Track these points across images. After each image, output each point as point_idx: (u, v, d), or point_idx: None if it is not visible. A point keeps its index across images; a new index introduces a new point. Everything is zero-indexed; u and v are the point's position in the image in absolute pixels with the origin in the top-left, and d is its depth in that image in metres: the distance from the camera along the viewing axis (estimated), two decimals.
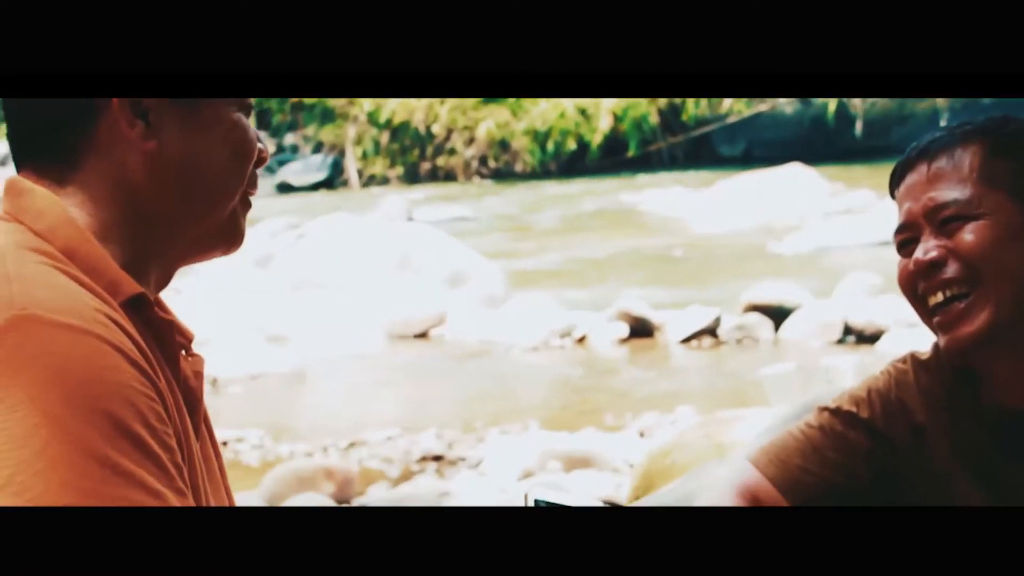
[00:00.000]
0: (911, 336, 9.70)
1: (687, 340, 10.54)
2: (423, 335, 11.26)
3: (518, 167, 21.79)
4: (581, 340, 10.83)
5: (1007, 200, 1.92)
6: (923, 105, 21.38)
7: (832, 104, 21.43)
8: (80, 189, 1.47)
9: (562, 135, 21.72)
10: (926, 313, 1.93)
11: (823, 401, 2.15)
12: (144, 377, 1.34)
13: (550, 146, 21.81)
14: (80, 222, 1.45)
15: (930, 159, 1.93)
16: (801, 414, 2.80)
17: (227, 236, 1.54)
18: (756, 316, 10.64)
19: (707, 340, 10.54)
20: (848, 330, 10.24)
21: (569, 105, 21.58)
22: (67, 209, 1.45)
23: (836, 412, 2.05)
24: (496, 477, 7.46)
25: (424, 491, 7.13)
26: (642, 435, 8.21)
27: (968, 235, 1.88)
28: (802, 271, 12.38)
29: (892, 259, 1.97)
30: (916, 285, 1.92)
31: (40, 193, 1.46)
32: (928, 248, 1.89)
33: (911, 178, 1.94)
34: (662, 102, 21.37)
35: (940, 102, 21.17)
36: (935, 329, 1.93)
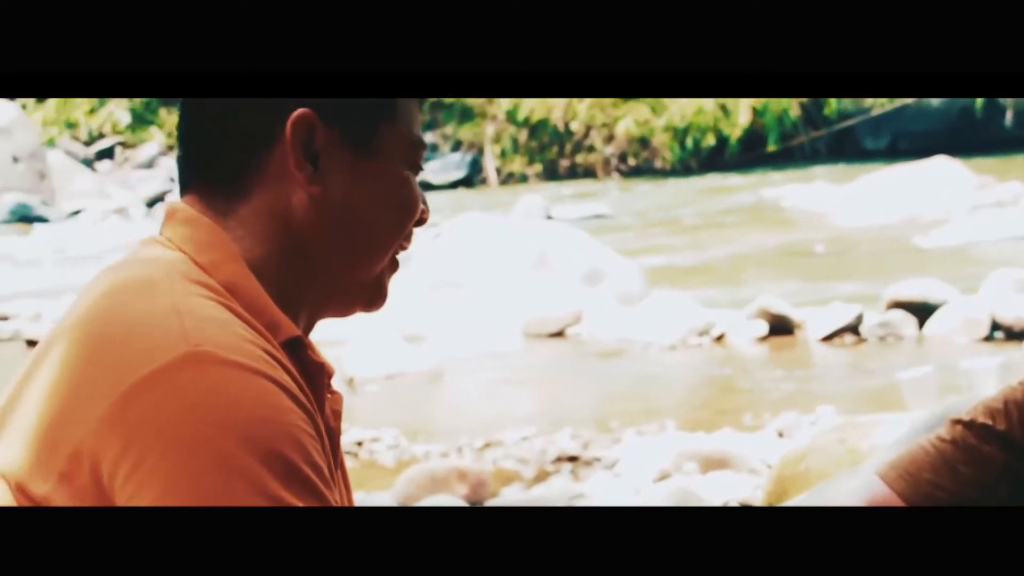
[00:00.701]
0: None
1: (828, 338, 10.34)
2: (559, 334, 11.21)
3: (657, 164, 21.65)
4: (719, 338, 10.69)
5: None
6: None
7: None
8: (240, 224, 1.46)
9: (701, 131, 21.51)
10: None
11: (956, 412, 2.08)
12: (307, 417, 1.34)
13: (689, 142, 21.61)
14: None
15: None
16: (934, 424, 2.71)
17: (372, 294, 1.53)
18: (900, 313, 10.40)
19: (849, 338, 10.34)
20: (996, 326, 9.97)
21: (709, 101, 21.37)
22: (231, 243, 1.45)
23: (970, 425, 2.00)
24: (631, 478, 7.37)
25: (557, 493, 7.08)
26: (781, 435, 8.06)
27: None
28: (948, 266, 12.09)
29: None
30: None
31: (205, 224, 1.45)
32: None
33: None
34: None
35: None
36: None
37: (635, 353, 10.60)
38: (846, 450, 4.25)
